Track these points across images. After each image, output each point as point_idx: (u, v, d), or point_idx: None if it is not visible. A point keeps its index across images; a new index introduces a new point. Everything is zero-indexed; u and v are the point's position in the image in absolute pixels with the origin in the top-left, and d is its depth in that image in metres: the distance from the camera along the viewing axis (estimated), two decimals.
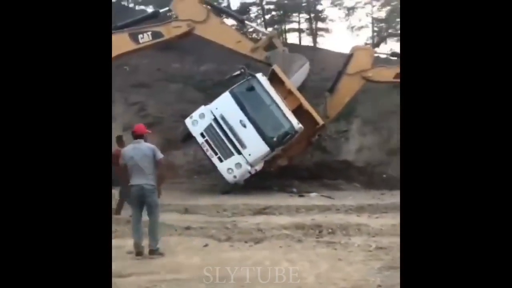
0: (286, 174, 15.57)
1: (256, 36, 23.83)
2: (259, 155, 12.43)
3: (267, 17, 32.52)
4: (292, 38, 33.91)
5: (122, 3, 30.24)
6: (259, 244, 6.87)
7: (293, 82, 13.79)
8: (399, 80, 14.87)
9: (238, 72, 12.88)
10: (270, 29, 32.64)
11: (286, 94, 13.23)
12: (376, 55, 19.19)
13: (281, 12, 32.07)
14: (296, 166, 16.75)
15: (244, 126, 12.41)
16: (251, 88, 12.64)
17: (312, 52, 28.80)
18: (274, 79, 13.26)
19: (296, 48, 30.58)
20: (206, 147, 12.44)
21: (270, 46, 15.11)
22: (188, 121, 12.72)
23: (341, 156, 18.88)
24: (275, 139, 12.49)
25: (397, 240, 7.15)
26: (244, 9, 32.18)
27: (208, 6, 15.26)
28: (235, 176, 12.36)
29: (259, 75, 12.86)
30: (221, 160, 12.40)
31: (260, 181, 14.56)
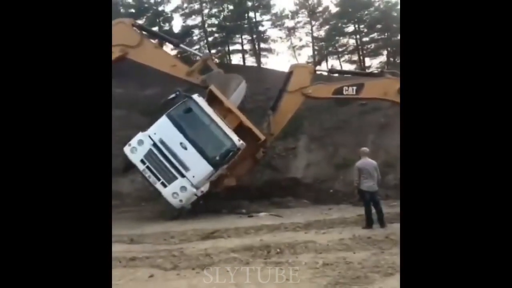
0: (235, 195, 15.53)
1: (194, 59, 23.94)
2: (203, 176, 12.32)
3: (210, 39, 32.80)
4: (236, 59, 34.36)
5: None
6: (207, 270, 6.74)
7: (232, 101, 13.87)
8: (337, 96, 15.47)
9: (173, 95, 12.75)
10: (213, 51, 33.07)
11: (226, 113, 13.25)
12: (318, 72, 19.77)
13: (224, 34, 32.44)
14: (245, 186, 16.76)
15: (185, 148, 12.28)
16: (188, 110, 12.57)
17: (257, 72, 29.27)
18: (212, 100, 13.26)
19: (240, 69, 30.95)
20: (148, 173, 12.17)
21: (205, 68, 15.21)
22: (126, 149, 12.41)
23: (289, 173, 19.12)
24: (217, 158, 12.43)
25: (343, 254, 7.30)
26: (186, 31, 32.29)
27: (142, 31, 15.21)
28: (181, 200, 12.16)
29: (195, 96, 12.82)
30: (165, 186, 12.16)
31: (209, 204, 14.44)
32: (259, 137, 13.47)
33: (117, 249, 8.42)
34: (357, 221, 10.42)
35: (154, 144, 12.29)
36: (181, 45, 18.23)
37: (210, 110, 12.73)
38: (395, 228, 9.34)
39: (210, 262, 7.21)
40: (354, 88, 14.95)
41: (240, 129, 13.14)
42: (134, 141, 12.42)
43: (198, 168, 12.25)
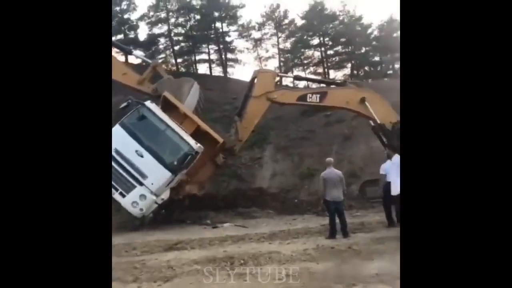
0: (200, 205, 15.38)
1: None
2: (162, 182, 12.08)
3: (176, 48, 32.64)
4: (202, 68, 34.33)
5: None
6: (169, 283, 6.59)
7: (187, 105, 13.79)
8: (301, 102, 15.67)
9: (125, 104, 12.50)
10: (179, 60, 32.91)
11: (182, 118, 13.13)
12: (279, 78, 19.97)
13: (190, 43, 32.38)
14: (211, 196, 16.65)
15: (141, 156, 12.03)
16: (142, 117, 12.32)
17: (223, 82, 29.32)
18: (168, 106, 13.12)
19: (207, 78, 30.92)
20: None
21: (156, 76, 15.08)
22: None
23: (255, 183, 19.12)
24: (175, 163, 12.20)
25: (307, 265, 7.31)
26: (152, 40, 32.04)
27: None
28: (141, 209, 11.87)
29: (147, 103, 12.61)
30: (123, 195, 11.85)
31: (174, 214, 14.23)
32: (217, 140, 13.38)
33: None
34: (321, 231, 10.47)
35: None
36: (134, 53, 18.02)
37: (164, 115, 12.54)
38: (358, 238, 9.46)
39: (173, 274, 7.05)
40: (318, 96, 15.17)
41: (198, 134, 13.01)
42: None
43: (156, 175, 12.00)
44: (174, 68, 31.91)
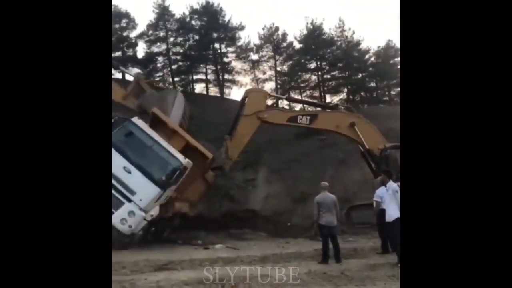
0: (192, 225, 15.24)
1: None
2: (150, 198, 11.93)
3: (174, 67, 32.83)
4: (199, 88, 34.48)
5: None
6: None
7: (173, 116, 13.82)
8: (291, 124, 15.79)
9: (112, 121, 12.51)
10: (177, 79, 33.05)
11: (171, 134, 13.11)
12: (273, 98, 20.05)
13: (188, 63, 32.59)
14: (203, 217, 16.51)
15: (129, 172, 11.91)
16: (129, 133, 12.29)
17: (219, 102, 29.41)
18: (156, 123, 13.11)
19: (203, 98, 31.02)
20: None
21: (141, 92, 15.15)
22: None
23: (248, 205, 19.02)
24: (163, 178, 12.06)
25: None
26: (150, 58, 32.22)
27: None
28: (130, 226, 11.68)
29: (134, 119, 12.59)
30: (111, 213, 11.74)
31: (164, 233, 14.06)
32: (206, 155, 13.34)
33: None
34: (313, 256, 10.37)
35: None
36: (121, 67, 18.13)
37: (151, 131, 12.51)
38: (350, 263, 9.37)
39: None
40: (308, 118, 15.34)
41: (187, 150, 12.98)
42: None
43: (145, 191, 11.87)
44: (171, 87, 32.01)
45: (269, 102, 26.39)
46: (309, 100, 29.68)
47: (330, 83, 34.69)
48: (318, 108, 18.63)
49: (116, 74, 26.42)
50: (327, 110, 17.23)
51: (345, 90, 34.62)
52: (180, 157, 12.27)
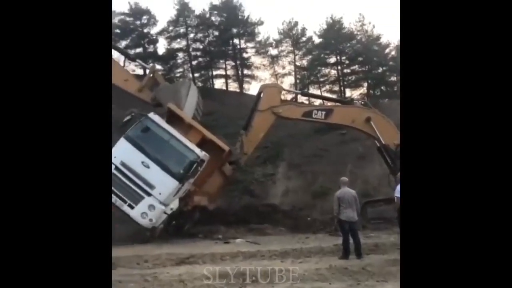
0: (212, 220, 15.35)
1: None
2: (169, 191, 12.09)
3: (194, 63, 33.03)
4: (219, 83, 34.62)
5: None
6: None
7: (187, 107, 13.93)
8: (306, 118, 15.73)
9: (129, 117, 12.67)
10: (196, 74, 33.21)
11: (187, 129, 13.24)
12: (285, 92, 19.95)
13: (208, 58, 32.74)
14: (223, 211, 16.62)
15: (147, 166, 12.10)
16: (146, 129, 12.46)
17: (239, 98, 29.48)
18: (173, 118, 13.24)
19: (222, 93, 31.13)
20: (113, 198, 11.87)
21: (156, 84, 15.24)
22: None
23: (268, 199, 19.06)
24: (181, 171, 12.22)
25: (319, 285, 7.22)
26: (170, 54, 32.48)
27: None
28: (151, 220, 11.87)
29: (151, 114, 12.76)
30: (132, 207, 11.87)
31: (185, 227, 14.19)
32: (223, 148, 13.44)
33: None
34: (333, 251, 10.35)
35: (116, 168, 12.03)
36: (137, 60, 18.32)
37: (167, 125, 12.69)
38: (372, 259, 9.31)
39: None
40: (323, 112, 15.26)
41: (203, 143, 13.10)
42: None
43: (164, 184, 12.03)
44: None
45: (289, 97, 26.46)
46: (324, 95, 29.55)
47: (350, 77, 34.40)
48: (334, 103, 18.48)
49: (135, 69, 26.81)
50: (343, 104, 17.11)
51: (365, 84, 34.29)
52: (197, 150, 12.41)
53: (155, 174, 12.05)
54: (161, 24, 33.58)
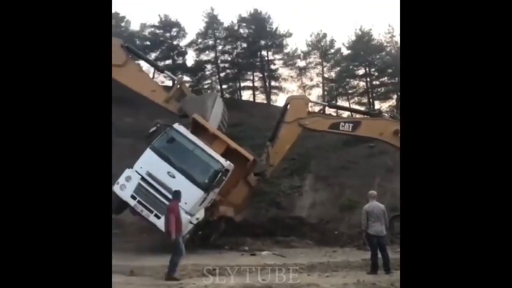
0: (238, 231, 15.34)
1: None
2: (195, 201, 12.15)
3: (222, 74, 33.34)
4: (246, 95, 34.80)
5: None
6: None
7: (212, 118, 14.05)
8: (333, 131, 15.58)
9: (154, 128, 12.87)
10: (224, 86, 33.52)
11: (212, 139, 13.32)
12: (312, 104, 19.87)
13: (236, 70, 32.99)
14: (249, 223, 16.59)
15: (173, 176, 12.20)
16: (171, 140, 12.60)
17: (266, 109, 29.53)
18: (197, 128, 13.37)
19: (250, 105, 31.28)
20: (139, 208, 12.00)
21: (183, 95, 15.46)
22: (116, 188, 12.23)
23: (294, 212, 18.91)
24: (206, 181, 12.29)
25: None
26: (199, 66, 32.88)
27: (130, 53, 15.66)
28: None
29: (176, 125, 12.91)
30: (158, 217, 11.95)
31: (211, 238, 14.21)
32: (247, 157, 13.45)
33: (117, 280, 8.21)
34: (361, 266, 10.16)
35: (142, 178, 12.21)
36: (166, 72, 18.65)
37: (192, 136, 12.82)
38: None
39: None
40: (351, 125, 15.13)
41: (228, 153, 13.15)
42: (122, 179, 12.34)
43: (189, 194, 12.03)
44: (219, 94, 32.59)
45: (316, 109, 26.35)
46: (352, 107, 29.28)
47: (379, 89, 34.00)
48: (362, 115, 18.28)
49: (164, 80, 27.30)
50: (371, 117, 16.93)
51: (395, 96, 33.81)
52: (221, 159, 12.48)
53: (180, 184, 12.13)
54: (190, 36, 33.98)
